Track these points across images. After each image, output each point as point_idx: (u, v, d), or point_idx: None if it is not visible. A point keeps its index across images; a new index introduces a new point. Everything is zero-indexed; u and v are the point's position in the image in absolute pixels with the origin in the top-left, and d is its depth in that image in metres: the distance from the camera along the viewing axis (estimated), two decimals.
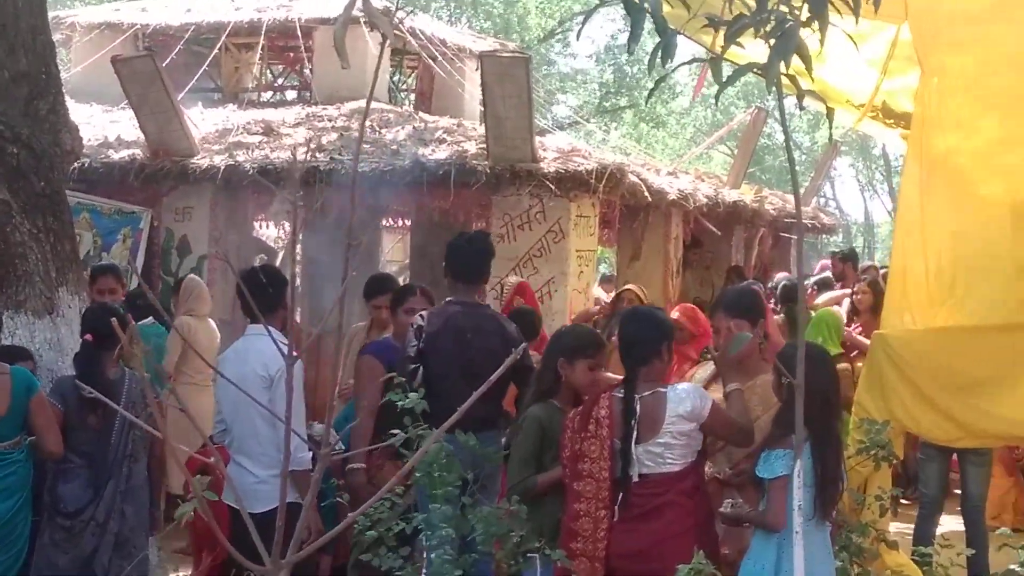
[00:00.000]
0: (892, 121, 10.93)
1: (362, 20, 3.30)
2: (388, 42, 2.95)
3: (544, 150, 13.59)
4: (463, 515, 6.52)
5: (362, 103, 16.56)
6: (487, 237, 9.71)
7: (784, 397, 6.31)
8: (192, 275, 12.65)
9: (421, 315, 8.32)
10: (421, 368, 7.95)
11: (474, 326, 8.15)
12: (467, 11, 43.02)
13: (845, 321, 12.86)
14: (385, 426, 7.37)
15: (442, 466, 6.28)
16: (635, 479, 6.39)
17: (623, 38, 45.19)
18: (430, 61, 18.22)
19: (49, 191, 8.84)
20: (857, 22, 4.31)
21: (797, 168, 4.40)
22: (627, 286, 13.19)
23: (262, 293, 7.44)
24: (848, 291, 13.95)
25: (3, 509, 7.43)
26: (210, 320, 11.99)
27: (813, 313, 13.81)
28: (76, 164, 10.39)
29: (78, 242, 9.77)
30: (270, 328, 7.47)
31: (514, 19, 42.13)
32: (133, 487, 7.82)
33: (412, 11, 19.95)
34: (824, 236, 30.38)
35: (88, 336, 7.70)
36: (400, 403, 6.55)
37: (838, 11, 4.25)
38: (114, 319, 3.06)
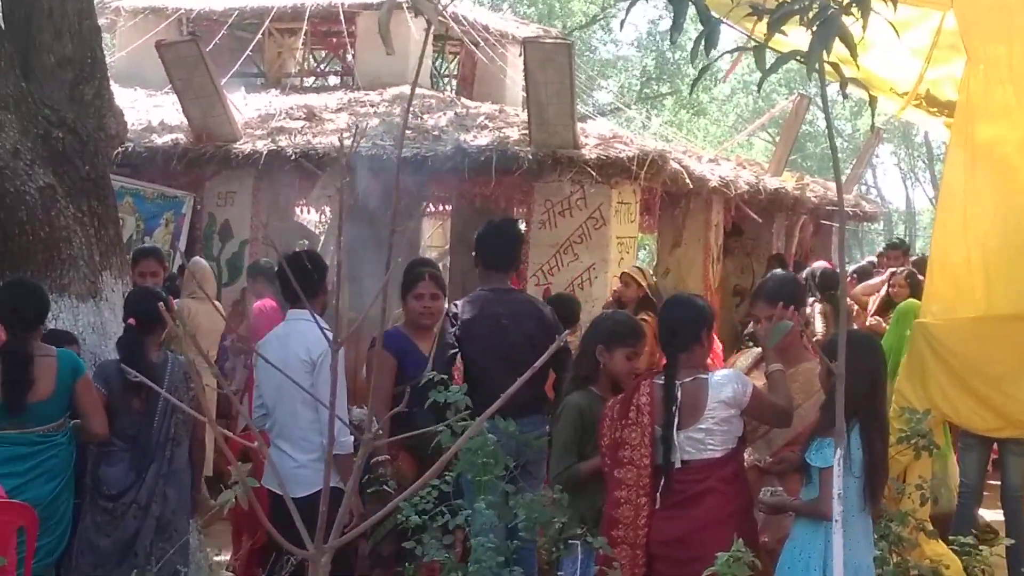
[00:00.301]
0: (936, 110, 10.89)
1: (405, 5, 3.33)
2: (432, 28, 2.97)
3: (585, 136, 13.61)
4: (506, 503, 6.51)
5: (404, 88, 16.60)
6: (515, 224, 9.72)
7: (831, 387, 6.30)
8: (197, 258, 12.67)
9: (455, 303, 8.35)
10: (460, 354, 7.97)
11: (510, 312, 8.16)
12: None
13: (876, 311, 12.77)
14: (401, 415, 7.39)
15: (487, 453, 6.27)
16: (677, 466, 6.40)
17: (664, 24, 45.16)
18: (472, 47, 18.26)
19: (94, 175, 8.88)
20: (895, 9, 4.29)
21: (839, 155, 4.38)
22: (625, 268, 12.88)
23: (305, 278, 7.47)
24: (884, 277, 13.84)
25: (45, 491, 7.45)
26: (215, 303, 11.93)
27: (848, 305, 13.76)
28: (120, 148, 10.45)
29: (121, 226, 9.82)
30: (314, 312, 7.55)
31: (556, 5, 42.08)
32: (175, 470, 7.85)
33: None
34: (865, 224, 30.30)
35: (131, 320, 7.74)
36: (440, 400, 6.49)
37: None
38: (161, 303, 3.08)
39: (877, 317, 12.44)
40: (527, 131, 13.30)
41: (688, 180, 14.18)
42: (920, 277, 12.43)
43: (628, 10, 4.54)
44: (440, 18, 15.73)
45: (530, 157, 13.06)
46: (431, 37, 3.36)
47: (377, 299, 3.09)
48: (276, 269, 12.40)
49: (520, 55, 14.18)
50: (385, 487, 7.17)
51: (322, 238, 20.14)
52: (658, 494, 6.42)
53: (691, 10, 4.21)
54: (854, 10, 4.15)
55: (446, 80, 21.76)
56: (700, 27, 4.21)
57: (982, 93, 8.22)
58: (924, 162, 57.65)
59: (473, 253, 8.55)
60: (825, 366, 6.30)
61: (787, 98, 29.09)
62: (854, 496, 6.06)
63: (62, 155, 8.65)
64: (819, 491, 6.17)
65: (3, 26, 8.80)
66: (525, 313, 8.23)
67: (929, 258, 9.16)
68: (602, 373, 7.20)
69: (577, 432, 7.03)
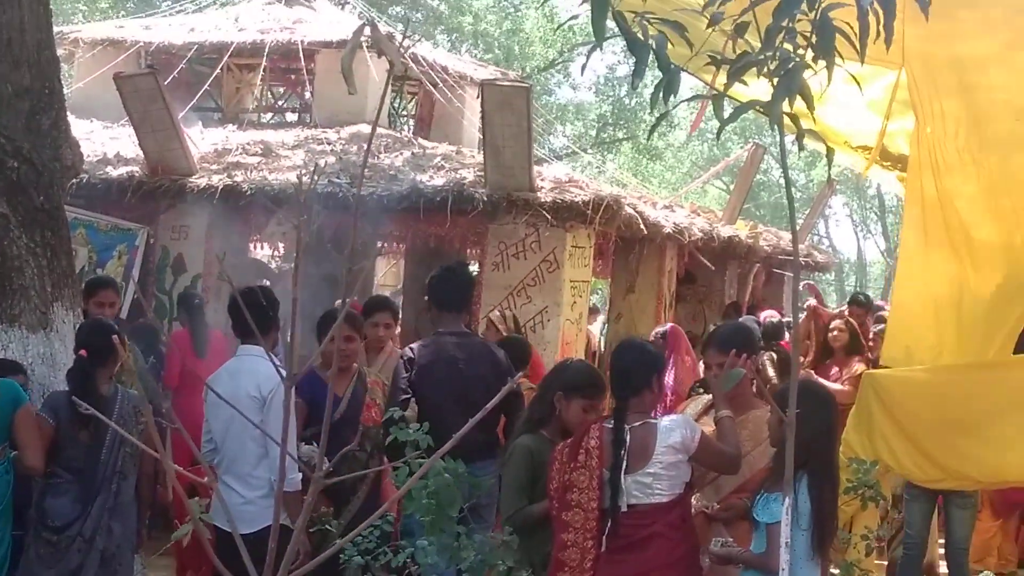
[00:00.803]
0: (889, 163, 10.97)
1: (364, 45, 3.35)
2: (395, 68, 2.99)
3: (541, 180, 13.63)
4: (456, 544, 6.48)
5: (361, 127, 16.62)
6: (467, 266, 9.73)
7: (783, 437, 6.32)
8: None
9: (411, 347, 8.38)
10: (413, 399, 7.99)
11: (466, 356, 8.20)
12: (468, 40, 43.11)
13: (812, 358, 12.78)
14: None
15: (440, 494, 6.24)
16: (623, 509, 6.40)
17: (621, 70, 45.33)
18: (431, 87, 18.28)
19: (48, 206, 8.85)
20: (863, 63, 4.33)
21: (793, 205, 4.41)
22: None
23: (258, 313, 7.45)
24: (807, 314, 13.88)
25: None
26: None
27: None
28: (75, 180, 10.41)
29: (73, 257, 9.78)
30: (265, 348, 7.52)
31: (516, 48, 42.20)
32: (121, 503, 7.79)
33: (419, 39, 20.00)
34: (817, 274, 30.49)
35: (83, 351, 7.68)
36: (402, 438, 6.47)
37: (840, 55, 4.28)
38: (115, 336, 3.07)
39: (809, 370, 12.40)
40: (483, 173, 13.31)
41: (643, 226, 14.21)
42: (853, 323, 12.60)
43: (589, 55, 4.57)
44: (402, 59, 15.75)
45: (485, 199, 13.05)
46: (391, 78, 3.37)
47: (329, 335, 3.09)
48: (197, 301, 12.48)
49: (478, 97, 14.21)
50: (328, 527, 7.15)
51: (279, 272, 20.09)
52: (604, 538, 6.43)
53: (651, 57, 4.24)
54: (813, 64, 4.19)
55: (404, 120, 21.79)
56: (660, 74, 4.24)
57: (935, 148, 8.29)
58: (876, 214, 58.11)
59: (426, 296, 8.57)
60: (776, 415, 6.32)
61: (742, 147, 29.29)
62: (802, 548, 6.09)
63: (16, 185, 8.62)
64: (767, 545, 6.20)
65: None
66: (480, 357, 8.27)
67: (889, 310, 9.25)
68: (555, 419, 7.18)
69: (528, 474, 7.02)
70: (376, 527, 6.29)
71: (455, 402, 7.78)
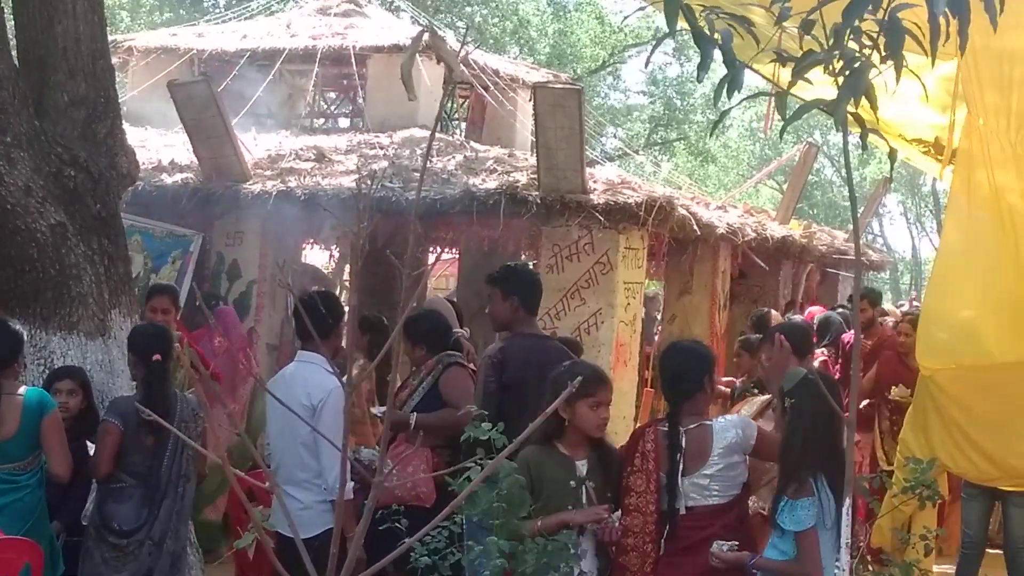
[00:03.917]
0: (943, 157, 10.92)
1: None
2: (454, 74, 2.99)
3: (594, 182, 13.61)
4: (521, 547, 6.32)
5: (414, 131, 16.65)
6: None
7: (785, 423, 6.33)
8: None
9: (498, 349, 8.31)
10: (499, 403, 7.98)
11: (549, 360, 8.15)
12: (514, 44, 43.08)
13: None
14: None
15: (506, 497, 6.13)
16: (682, 512, 6.40)
17: (672, 71, 45.27)
18: (482, 91, 18.29)
19: (105, 214, 8.90)
20: (933, 64, 4.29)
21: (846, 204, 4.40)
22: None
23: (318, 320, 7.47)
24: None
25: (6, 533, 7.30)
26: None
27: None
28: (130, 187, 10.48)
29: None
30: (324, 355, 7.55)
31: (567, 50, 42.14)
32: (186, 506, 7.83)
33: (477, 45, 20.05)
34: (872, 273, 30.37)
35: (157, 356, 7.59)
36: (478, 436, 6.34)
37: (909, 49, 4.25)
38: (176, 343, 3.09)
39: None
40: (536, 175, 13.29)
41: (696, 227, 14.18)
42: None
43: (653, 51, 4.58)
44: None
45: (538, 201, 13.04)
46: (448, 83, 3.38)
47: (390, 342, 3.10)
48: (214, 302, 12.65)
49: (530, 99, 14.21)
50: (397, 525, 7.11)
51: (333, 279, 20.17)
52: (663, 541, 6.43)
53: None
54: (878, 63, 4.16)
55: (456, 123, 21.83)
56: (718, 73, 4.23)
57: (987, 142, 8.24)
58: (931, 212, 57.80)
59: (516, 296, 8.46)
60: (780, 403, 6.35)
61: (795, 146, 29.20)
62: (828, 550, 6.07)
63: (74, 193, 8.67)
64: (799, 552, 6.16)
65: (18, 65, 8.85)
66: (558, 360, 8.21)
67: (924, 307, 9.13)
68: (569, 430, 6.77)
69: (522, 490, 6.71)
70: (444, 527, 6.25)
71: (534, 406, 7.72)
